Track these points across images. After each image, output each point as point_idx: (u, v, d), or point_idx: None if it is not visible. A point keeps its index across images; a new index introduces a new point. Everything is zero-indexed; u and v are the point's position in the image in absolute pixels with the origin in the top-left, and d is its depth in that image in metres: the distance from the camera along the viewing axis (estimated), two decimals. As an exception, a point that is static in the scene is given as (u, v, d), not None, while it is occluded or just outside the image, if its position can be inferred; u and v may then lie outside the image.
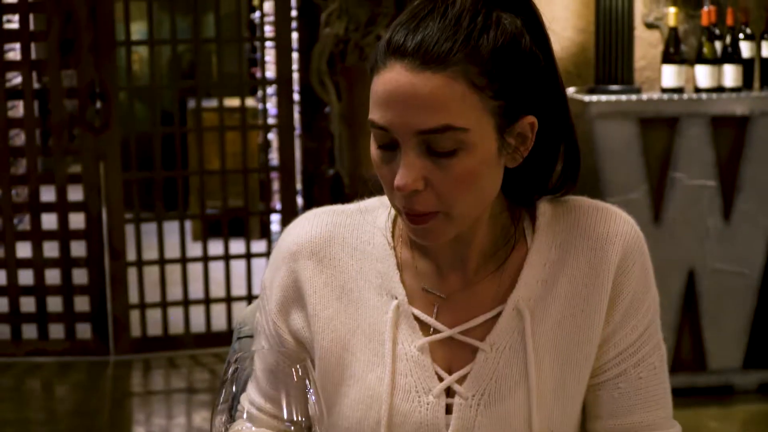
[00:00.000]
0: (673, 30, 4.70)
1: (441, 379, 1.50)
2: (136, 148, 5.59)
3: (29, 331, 5.52)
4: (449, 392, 1.50)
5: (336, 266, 1.57)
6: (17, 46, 5.72)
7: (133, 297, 5.54)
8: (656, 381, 1.54)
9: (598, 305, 1.50)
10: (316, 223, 1.60)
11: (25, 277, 5.50)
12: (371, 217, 1.59)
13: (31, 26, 5.47)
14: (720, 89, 4.66)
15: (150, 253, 5.64)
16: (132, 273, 5.54)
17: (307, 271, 1.57)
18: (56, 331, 5.53)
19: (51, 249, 5.52)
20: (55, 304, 5.52)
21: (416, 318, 1.52)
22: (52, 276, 5.52)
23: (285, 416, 1.39)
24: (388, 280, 1.54)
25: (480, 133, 1.38)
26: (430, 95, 1.35)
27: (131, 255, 5.55)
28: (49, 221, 5.53)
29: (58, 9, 5.26)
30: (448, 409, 1.49)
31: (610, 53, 4.71)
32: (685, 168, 4.55)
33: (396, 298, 1.53)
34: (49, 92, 5.44)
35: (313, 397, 1.30)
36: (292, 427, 1.50)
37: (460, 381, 1.50)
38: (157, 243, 5.59)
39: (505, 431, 1.48)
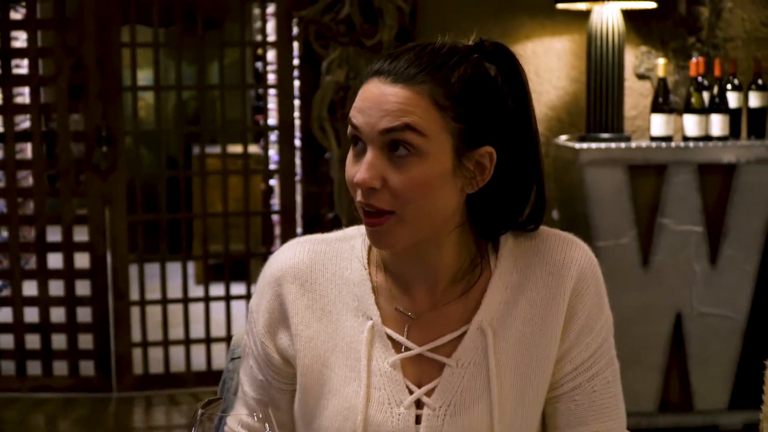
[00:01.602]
0: (663, 80, 4.78)
1: (411, 392, 1.59)
2: (141, 191, 5.63)
3: (34, 368, 5.52)
4: (419, 404, 1.59)
5: (317, 290, 1.65)
6: (26, 90, 5.79)
7: (136, 335, 5.55)
8: (609, 394, 1.63)
9: (554, 325, 1.59)
10: (298, 250, 1.69)
11: (31, 314, 5.51)
12: (348, 246, 1.68)
13: (40, 71, 5.53)
14: (707, 138, 4.71)
15: (153, 293, 5.65)
16: (135, 312, 5.55)
17: (290, 295, 1.65)
18: (60, 367, 5.53)
19: (56, 288, 5.52)
20: (59, 341, 5.53)
21: (389, 337, 1.61)
22: (57, 314, 5.53)
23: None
24: (363, 302, 1.63)
25: (437, 145, 1.50)
26: (396, 102, 1.49)
27: (134, 295, 5.57)
28: (55, 261, 5.54)
29: (68, 55, 5.32)
30: (418, 420, 1.58)
31: (600, 102, 4.77)
32: (673, 214, 4.59)
33: (371, 319, 1.62)
34: (57, 135, 5.47)
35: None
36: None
37: (429, 393, 1.59)
38: (160, 283, 5.62)
39: None
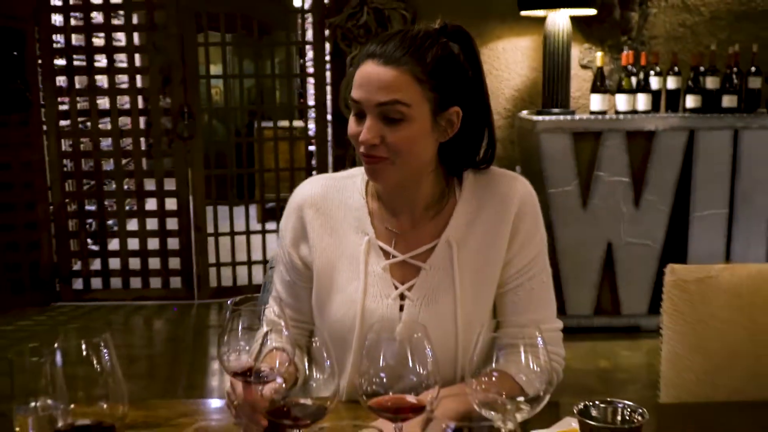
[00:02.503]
0: (600, 69, 4.69)
1: (396, 288, 1.61)
2: (214, 153, 5.62)
3: (135, 282, 5.56)
4: (402, 297, 1.60)
5: (327, 214, 1.66)
6: (125, 78, 5.74)
7: (212, 258, 5.55)
8: (544, 291, 1.63)
9: (502, 239, 1.60)
10: (314, 184, 1.70)
11: (133, 243, 5.54)
12: (351, 181, 1.69)
13: (137, 63, 5.51)
14: (634, 112, 4.64)
15: (224, 228, 5.63)
16: (211, 242, 5.56)
17: (308, 217, 1.66)
18: (155, 282, 5.57)
19: (152, 224, 5.54)
20: (154, 263, 5.55)
21: (381, 248, 1.63)
22: (153, 243, 5.54)
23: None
24: (362, 223, 1.64)
25: (418, 111, 1.50)
26: (387, 81, 1.49)
27: (210, 229, 5.57)
28: (150, 204, 5.54)
29: (157, 52, 5.30)
30: (401, 308, 1.60)
31: (552, 86, 4.71)
32: (606, 168, 4.54)
33: (367, 235, 1.63)
34: (150, 112, 5.46)
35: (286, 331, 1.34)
36: (303, 324, 1.67)
37: (409, 289, 1.60)
38: (229, 221, 5.60)
39: (439, 323, 1.56)
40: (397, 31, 1.55)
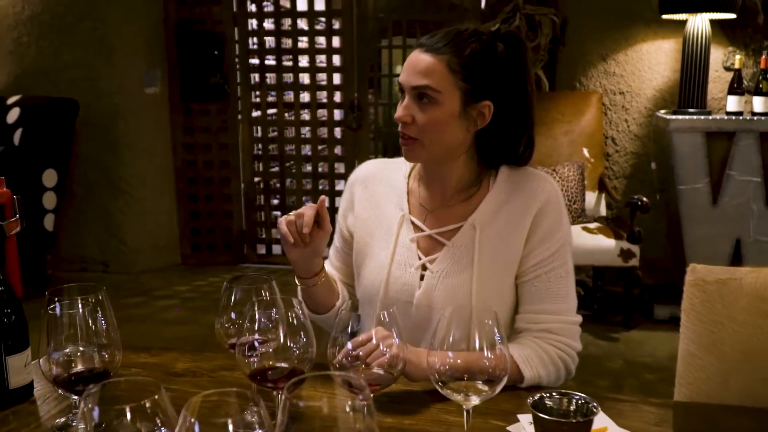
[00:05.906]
0: (738, 71, 4.30)
1: (420, 259, 1.60)
2: (376, 141, 5.63)
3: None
4: (424, 267, 1.59)
5: (373, 190, 1.70)
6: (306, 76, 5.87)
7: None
8: (562, 285, 1.55)
9: (522, 231, 1.55)
10: (369, 166, 1.76)
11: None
12: (398, 166, 1.71)
13: (317, 63, 5.61)
14: (771, 114, 4.22)
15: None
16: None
17: (357, 192, 1.71)
18: (325, 252, 5.65)
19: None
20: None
21: (413, 222, 1.63)
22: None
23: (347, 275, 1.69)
24: (400, 200, 1.66)
25: (448, 97, 1.50)
26: (423, 67, 1.50)
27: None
28: (323, 184, 5.63)
29: (333, 53, 5.37)
30: (422, 278, 1.59)
31: (689, 86, 4.37)
32: (738, 168, 4.15)
33: (402, 211, 1.64)
34: (326, 105, 5.53)
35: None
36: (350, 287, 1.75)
37: (431, 262, 1.59)
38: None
39: (454, 297, 1.55)
40: (450, 28, 1.53)
